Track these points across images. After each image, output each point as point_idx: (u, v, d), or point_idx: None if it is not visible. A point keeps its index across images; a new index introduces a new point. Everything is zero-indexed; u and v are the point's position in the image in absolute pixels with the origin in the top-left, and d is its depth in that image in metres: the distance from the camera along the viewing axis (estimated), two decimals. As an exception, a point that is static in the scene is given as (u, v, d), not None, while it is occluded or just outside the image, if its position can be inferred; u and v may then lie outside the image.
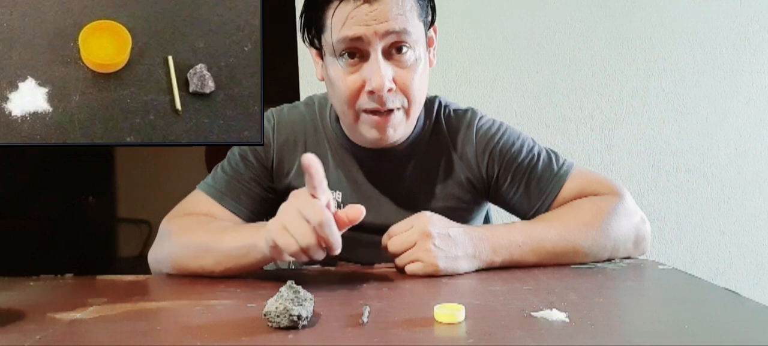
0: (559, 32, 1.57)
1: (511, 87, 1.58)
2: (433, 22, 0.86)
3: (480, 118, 0.95)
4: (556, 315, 0.56)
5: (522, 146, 0.92)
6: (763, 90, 1.60)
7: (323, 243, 0.67)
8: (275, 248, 0.69)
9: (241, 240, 0.75)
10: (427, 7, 0.83)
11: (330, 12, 0.78)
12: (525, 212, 0.93)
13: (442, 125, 0.94)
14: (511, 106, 1.57)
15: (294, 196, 0.70)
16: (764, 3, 1.58)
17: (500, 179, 0.92)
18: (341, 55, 0.79)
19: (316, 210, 0.66)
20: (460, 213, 0.93)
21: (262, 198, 0.93)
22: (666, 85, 1.59)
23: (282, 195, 0.95)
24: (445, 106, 0.96)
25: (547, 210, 0.90)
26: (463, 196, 0.94)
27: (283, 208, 0.70)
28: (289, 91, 1.06)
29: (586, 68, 1.58)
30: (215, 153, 0.98)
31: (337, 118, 0.92)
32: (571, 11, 1.57)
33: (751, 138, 1.60)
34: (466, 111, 0.96)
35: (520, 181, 0.91)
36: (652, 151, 1.60)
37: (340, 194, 0.92)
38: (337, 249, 0.67)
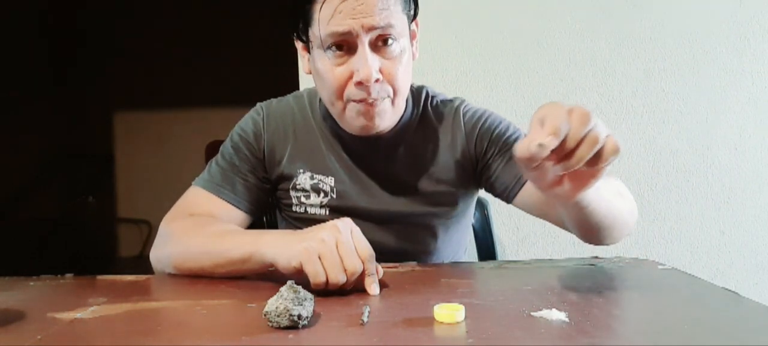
0: (559, 32, 1.57)
1: (511, 87, 1.58)
2: (415, 16, 0.88)
3: (466, 105, 0.98)
4: (556, 315, 0.56)
5: (508, 126, 0.96)
6: (763, 90, 1.59)
7: (351, 281, 0.67)
8: (299, 271, 0.67)
9: (242, 247, 0.75)
10: (411, 1, 0.86)
11: (317, 6, 0.80)
12: (506, 186, 0.92)
13: (429, 113, 0.97)
14: (511, 106, 1.57)
15: (335, 228, 0.68)
16: (764, 3, 1.58)
17: (488, 152, 0.94)
18: (329, 48, 0.81)
19: (364, 248, 0.68)
20: (448, 197, 0.95)
21: (258, 188, 0.95)
22: (666, 85, 1.59)
23: (275, 184, 0.96)
24: (433, 97, 0.99)
25: (523, 184, 0.89)
26: (451, 180, 0.95)
27: (321, 235, 0.67)
28: (289, 91, 1.07)
29: (586, 68, 1.58)
30: (215, 152, 0.99)
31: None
32: (571, 11, 1.57)
33: (751, 138, 1.60)
34: (452, 100, 0.99)
35: (506, 153, 0.92)
36: (652, 152, 1.60)
37: (333, 179, 0.94)
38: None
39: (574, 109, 0.54)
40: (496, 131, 0.94)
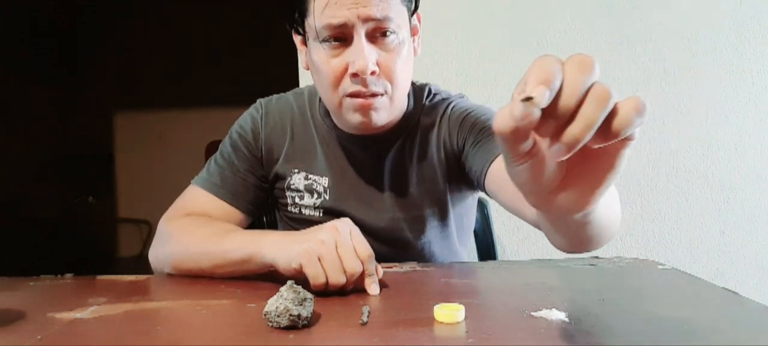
0: (559, 32, 1.57)
1: (511, 87, 1.56)
2: (416, 8, 0.86)
3: (458, 101, 0.95)
4: (556, 315, 0.56)
5: (492, 116, 0.89)
6: (763, 90, 1.59)
7: (351, 281, 0.67)
8: (299, 272, 0.67)
9: (241, 247, 0.75)
10: None
11: None
12: (480, 165, 0.85)
13: (427, 112, 0.94)
14: (511, 106, 1.57)
15: (334, 229, 0.68)
16: (764, 3, 1.58)
17: (467, 143, 0.89)
18: (325, 40, 0.79)
19: (363, 249, 0.67)
20: (442, 197, 0.93)
21: (257, 188, 0.95)
22: (666, 85, 1.59)
23: (273, 183, 0.96)
24: (435, 94, 0.97)
25: (491, 162, 0.82)
26: (444, 179, 0.93)
27: (321, 236, 0.67)
28: (288, 90, 1.07)
29: (586, 68, 1.58)
30: (215, 152, 0.98)
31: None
32: (571, 11, 1.57)
33: (751, 138, 1.60)
34: (449, 96, 0.97)
35: (482, 136, 0.87)
36: (652, 151, 1.60)
37: (327, 179, 0.93)
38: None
39: (571, 57, 0.38)
40: (479, 122, 0.88)
